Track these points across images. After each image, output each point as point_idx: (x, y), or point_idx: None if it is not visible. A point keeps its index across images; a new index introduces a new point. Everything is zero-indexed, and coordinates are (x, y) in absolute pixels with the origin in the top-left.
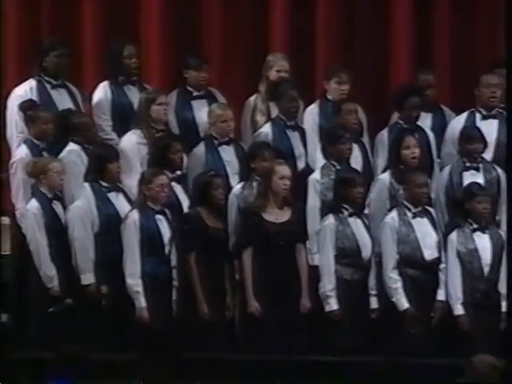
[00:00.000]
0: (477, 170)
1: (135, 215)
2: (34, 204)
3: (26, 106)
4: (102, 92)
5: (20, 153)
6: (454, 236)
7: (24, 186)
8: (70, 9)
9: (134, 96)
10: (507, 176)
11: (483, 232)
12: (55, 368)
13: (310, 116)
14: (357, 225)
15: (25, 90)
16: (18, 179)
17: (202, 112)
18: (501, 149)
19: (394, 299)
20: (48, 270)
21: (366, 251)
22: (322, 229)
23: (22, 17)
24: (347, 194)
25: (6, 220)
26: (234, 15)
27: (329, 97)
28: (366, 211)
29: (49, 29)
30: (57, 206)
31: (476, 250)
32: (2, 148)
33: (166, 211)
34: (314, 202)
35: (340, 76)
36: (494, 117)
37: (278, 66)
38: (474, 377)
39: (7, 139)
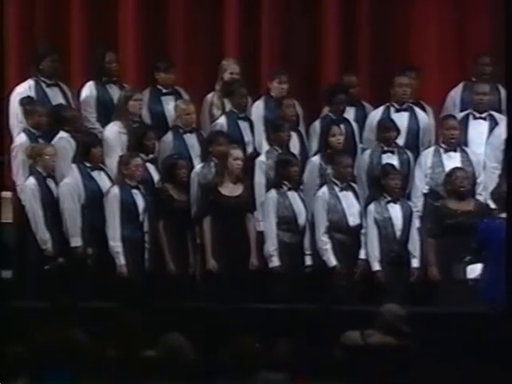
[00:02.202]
0: (391, 153)
1: (115, 190)
2: (31, 181)
3: (25, 101)
4: (88, 90)
5: (20, 139)
6: (372, 206)
7: (23, 167)
8: (62, 20)
9: (115, 93)
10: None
11: (395, 203)
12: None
13: (257, 109)
14: (294, 197)
15: (24, 88)
16: (18, 161)
17: (169, 106)
18: (411, 136)
19: (324, 258)
20: (43, 235)
21: (302, 219)
22: (266, 201)
23: (21, 26)
24: (286, 173)
25: (7, 194)
26: (195, 27)
27: (272, 94)
28: (302, 187)
29: (44, 37)
30: (50, 183)
31: (390, 217)
32: (5, 135)
33: (141, 187)
34: (260, 179)
35: (280, 77)
36: (405, 110)
37: (230, 69)
38: (383, 323)
39: (10, 128)
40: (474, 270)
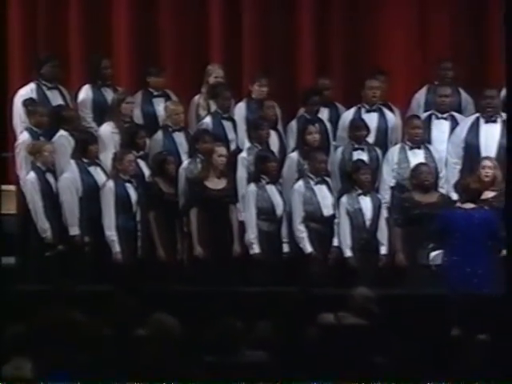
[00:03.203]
0: (362, 150)
1: (110, 183)
2: (32, 175)
3: (28, 103)
4: (84, 92)
5: (23, 137)
6: (344, 198)
7: (25, 162)
8: (61, 30)
9: (109, 95)
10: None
11: (365, 195)
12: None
13: (239, 110)
14: (272, 190)
15: (26, 91)
16: (21, 157)
17: (160, 107)
18: (379, 134)
19: (301, 245)
20: (43, 224)
21: (279, 210)
22: (247, 193)
23: (24, 34)
24: (265, 168)
25: (11, 187)
26: (183, 36)
27: (253, 96)
28: (281, 180)
29: (45, 45)
30: (49, 177)
31: (360, 208)
32: (8, 134)
33: (133, 181)
34: (242, 173)
35: (261, 81)
36: (374, 111)
37: (215, 74)
38: (354, 305)
39: (13, 127)
40: (437, 256)
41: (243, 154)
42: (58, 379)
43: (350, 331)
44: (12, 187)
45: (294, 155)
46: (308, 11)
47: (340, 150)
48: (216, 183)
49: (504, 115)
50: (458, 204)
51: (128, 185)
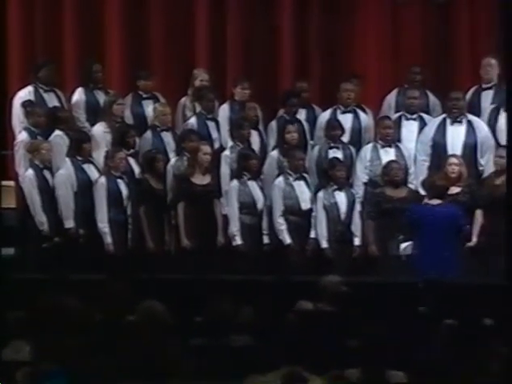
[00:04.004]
0: (337, 148)
1: (103, 180)
2: (30, 172)
3: (26, 104)
4: (78, 95)
5: (21, 137)
6: (321, 193)
7: (24, 160)
8: (57, 37)
9: (100, 98)
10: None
11: (340, 191)
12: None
13: (223, 111)
14: (253, 186)
15: (25, 93)
16: (19, 155)
17: (149, 109)
18: (354, 134)
19: (280, 237)
20: (40, 218)
21: (260, 204)
22: (230, 189)
23: (22, 41)
24: (247, 165)
25: (11, 183)
26: (171, 42)
27: (236, 98)
28: (262, 177)
29: (42, 50)
30: (46, 174)
31: (336, 203)
32: (7, 133)
33: (124, 177)
34: (225, 170)
35: (243, 84)
36: (349, 112)
37: (200, 77)
38: (323, 292)
39: (12, 127)
40: (407, 247)
41: (226, 152)
42: (55, 378)
43: (326, 317)
44: (12, 183)
45: (274, 153)
46: (287, 20)
47: (317, 148)
48: (201, 179)
49: (469, 115)
50: (426, 200)
51: (119, 181)
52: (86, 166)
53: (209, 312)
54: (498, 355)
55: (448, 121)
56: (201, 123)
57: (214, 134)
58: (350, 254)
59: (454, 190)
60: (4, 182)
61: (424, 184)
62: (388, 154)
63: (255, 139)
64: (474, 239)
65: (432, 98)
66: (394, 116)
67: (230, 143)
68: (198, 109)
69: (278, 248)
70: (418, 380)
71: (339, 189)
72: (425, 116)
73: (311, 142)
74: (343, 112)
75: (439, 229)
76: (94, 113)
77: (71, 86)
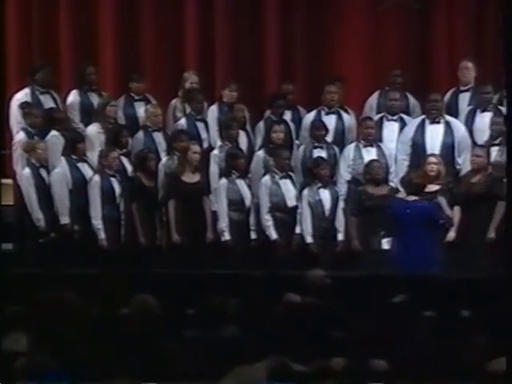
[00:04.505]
0: (321, 148)
1: (97, 178)
2: (27, 170)
3: (23, 106)
4: (72, 97)
5: (19, 136)
6: (306, 191)
7: (21, 159)
8: (52, 41)
9: (94, 99)
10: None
11: (324, 188)
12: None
13: (212, 113)
14: (241, 184)
15: (22, 95)
16: (17, 154)
17: (140, 110)
18: (337, 134)
19: (267, 233)
20: (37, 214)
21: (248, 201)
22: (219, 187)
23: (19, 45)
24: (235, 164)
25: (9, 181)
26: (162, 46)
27: (224, 100)
28: (250, 175)
29: (38, 54)
30: (43, 172)
31: (320, 200)
32: (5, 133)
33: (117, 175)
34: (214, 169)
35: (231, 86)
36: (333, 113)
37: (190, 80)
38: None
39: (10, 127)
40: (387, 242)
41: (215, 152)
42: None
43: (312, 309)
44: (10, 181)
45: (260, 153)
46: (273, 25)
47: (302, 147)
48: (191, 177)
49: (447, 116)
50: (404, 196)
51: (112, 179)
52: (80, 165)
53: (199, 305)
54: (475, 346)
55: (427, 121)
56: (191, 124)
57: (204, 134)
58: (334, 249)
59: (433, 187)
60: (3, 180)
61: (402, 181)
62: (370, 154)
63: (243, 139)
64: (453, 234)
65: (412, 99)
66: (376, 117)
67: (218, 143)
68: (188, 110)
69: (265, 243)
70: (399, 368)
71: (323, 186)
72: (405, 117)
73: (297, 142)
74: (327, 113)
75: (417, 224)
76: (88, 114)
77: (66, 88)
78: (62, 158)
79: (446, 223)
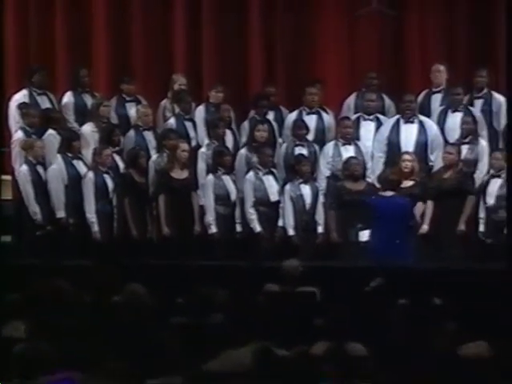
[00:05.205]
0: (302, 146)
1: (91, 174)
2: (24, 167)
3: (21, 106)
4: (68, 98)
5: (17, 135)
6: (288, 186)
7: (19, 156)
8: (48, 45)
9: (88, 101)
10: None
11: (305, 184)
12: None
13: (199, 113)
14: (227, 180)
15: (20, 96)
16: (15, 152)
17: (132, 110)
18: (317, 133)
19: (251, 226)
20: (34, 208)
21: (233, 196)
22: (206, 183)
23: (17, 49)
24: (221, 161)
25: (8, 177)
26: (152, 49)
27: (211, 101)
28: (235, 171)
29: (35, 58)
30: (40, 169)
31: (301, 195)
32: (4, 132)
33: (110, 172)
34: (201, 165)
35: (217, 88)
36: (313, 113)
37: (179, 82)
38: (286, 275)
39: (9, 126)
40: (364, 234)
41: (203, 150)
42: None
43: (293, 298)
44: (9, 177)
45: (243, 151)
46: (257, 31)
47: (284, 145)
48: (180, 174)
49: (420, 116)
50: (381, 192)
51: (105, 175)
52: (75, 162)
53: (187, 293)
54: (447, 331)
55: (401, 121)
56: (179, 123)
57: (192, 133)
58: (314, 241)
59: (408, 183)
60: (2, 177)
61: (379, 177)
62: (348, 151)
63: (229, 138)
64: (426, 227)
65: (387, 100)
66: (353, 117)
67: (205, 141)
68: (177, 110)
69: (250, 235)
70: (375, 351)
71: (304, 182)
72: (381, 117)
73: (279, 140)
74: (308, 113)
75: (391, 217)
76: (83, 114)
77: (61, 90)
78: (58, 156)
79: (414, 225)
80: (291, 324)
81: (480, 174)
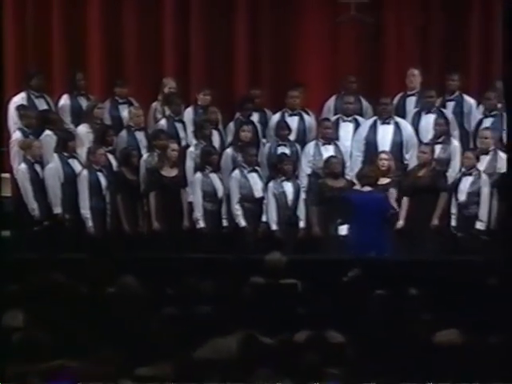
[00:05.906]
0: (285, 145)
1: (85, 172)
2: (23, 166)
3: (20, 108)
4: (64, 100)
5: (16, 136)
6: (271, 184)
7: (18, 155)
8: (46, 51)
9: (83, 103)
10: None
11: (288, 181)
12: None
13: (188, 114)
14: (214, 178)
15: (19, 98)
16: (14, 151)
17: (124, 112)
18: (299, 133)
19: (236, 221)
20: (32, 205)
21: (220, 193)
22: (194, 180)
23: (16, 53)
24: (208, 160)
25: (7, 175)
26: (143, 54)
27: (199, 103)
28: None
29: (33, 62)
30: (37, 167)
31: (284, 192)
32: (4, 132)
33: (103, 170)
34: (190, 164)
35: (205, 91)
36: (295, 115)
37: (169, 85)
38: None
39: (8, 127)
40: (344, 229)
41: (191, 149)
42: None
43: (276, 289)
44: (8, 175)
45: (229, 150)
46: (242, 37)
47: (268, 145)
48: (169, 172)
49: (396, 118)
50: (359, 188)
51: (99, 173)
52: (71, 161)
53: (177, 285)
54: (422, 320)
55: (378, 122)
56: (169, 124)
57: (181, 134)
58: (296, 235)
59: (384, 180)
60: (2, 175)
61: (357, 175)
62: (328, 151)
63: (216, 138)
64: (401, 222)
65: (365, 102)
66: (333, 118)
67: (194, 141)
68: (167, 112)
69: (235, 230)
70: (353, 339)
71: (287, 180)
72: (359, 118)
73: (263, 141)
74: (290, 115)
75: (369, 212)
76: (78, 115)
77: (58, 93)
78: (55, 155)
79: (392, 214)
80: (275, 313)
81: (452, 173)
